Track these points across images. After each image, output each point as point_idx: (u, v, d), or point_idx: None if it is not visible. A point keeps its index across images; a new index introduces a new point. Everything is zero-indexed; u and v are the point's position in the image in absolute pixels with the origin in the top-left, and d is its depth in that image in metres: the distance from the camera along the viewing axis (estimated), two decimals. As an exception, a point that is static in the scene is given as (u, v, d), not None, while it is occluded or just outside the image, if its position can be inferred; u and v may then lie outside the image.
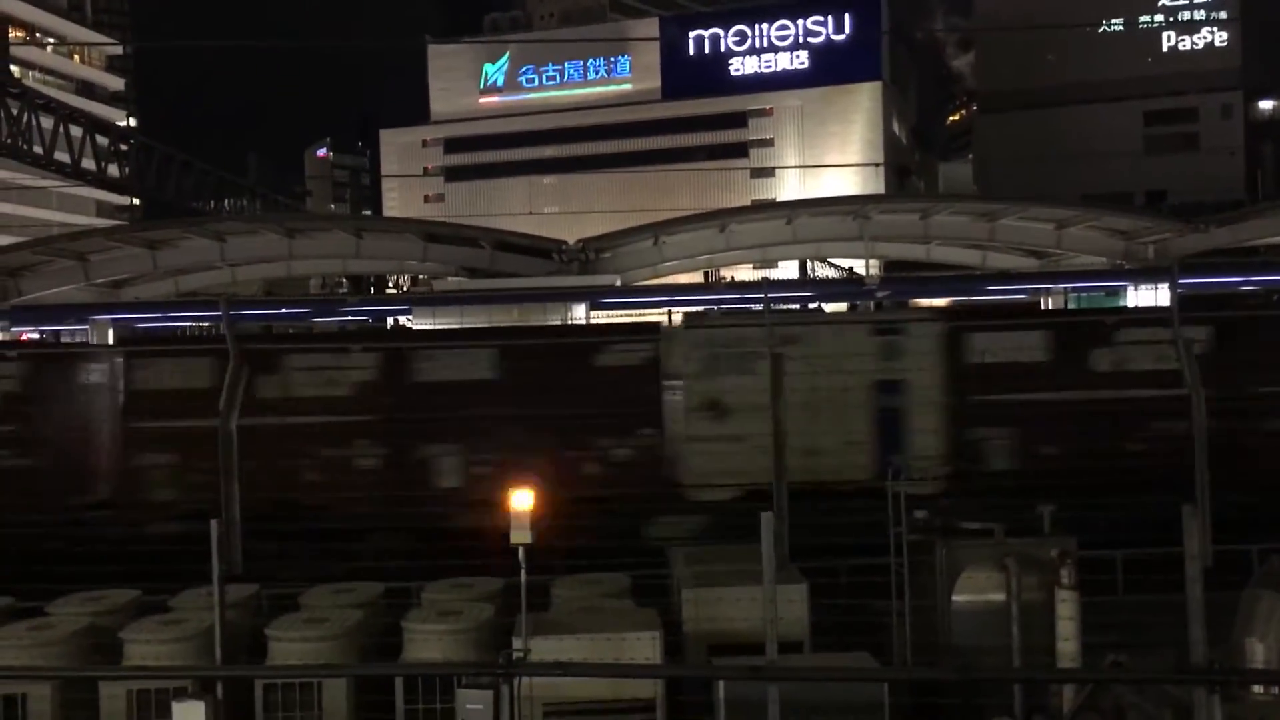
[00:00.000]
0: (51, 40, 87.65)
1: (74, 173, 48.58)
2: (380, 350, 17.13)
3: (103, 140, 50.38)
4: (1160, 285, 34.09)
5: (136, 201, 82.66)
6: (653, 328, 21.28)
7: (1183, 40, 76.45)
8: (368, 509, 15.36)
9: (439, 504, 15.71)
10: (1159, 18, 76.78)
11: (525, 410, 15.89)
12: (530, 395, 15.99)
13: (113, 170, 51.92)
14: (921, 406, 16.30)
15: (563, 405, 15.84)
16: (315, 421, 15.98)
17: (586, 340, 17.92)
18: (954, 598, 9.33)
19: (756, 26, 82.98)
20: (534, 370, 16.42)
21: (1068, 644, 8.52)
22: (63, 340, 37.80)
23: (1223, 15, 75.60)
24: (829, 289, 44.48)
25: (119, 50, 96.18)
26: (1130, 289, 36.25)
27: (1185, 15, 76.33)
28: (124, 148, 53.51)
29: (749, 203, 68.04)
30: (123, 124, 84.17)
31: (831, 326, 18.13)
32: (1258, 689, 6.98)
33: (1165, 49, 76.57)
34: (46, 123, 46.55)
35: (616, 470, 16.04)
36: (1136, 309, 25.08)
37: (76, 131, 47.87)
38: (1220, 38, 75.86)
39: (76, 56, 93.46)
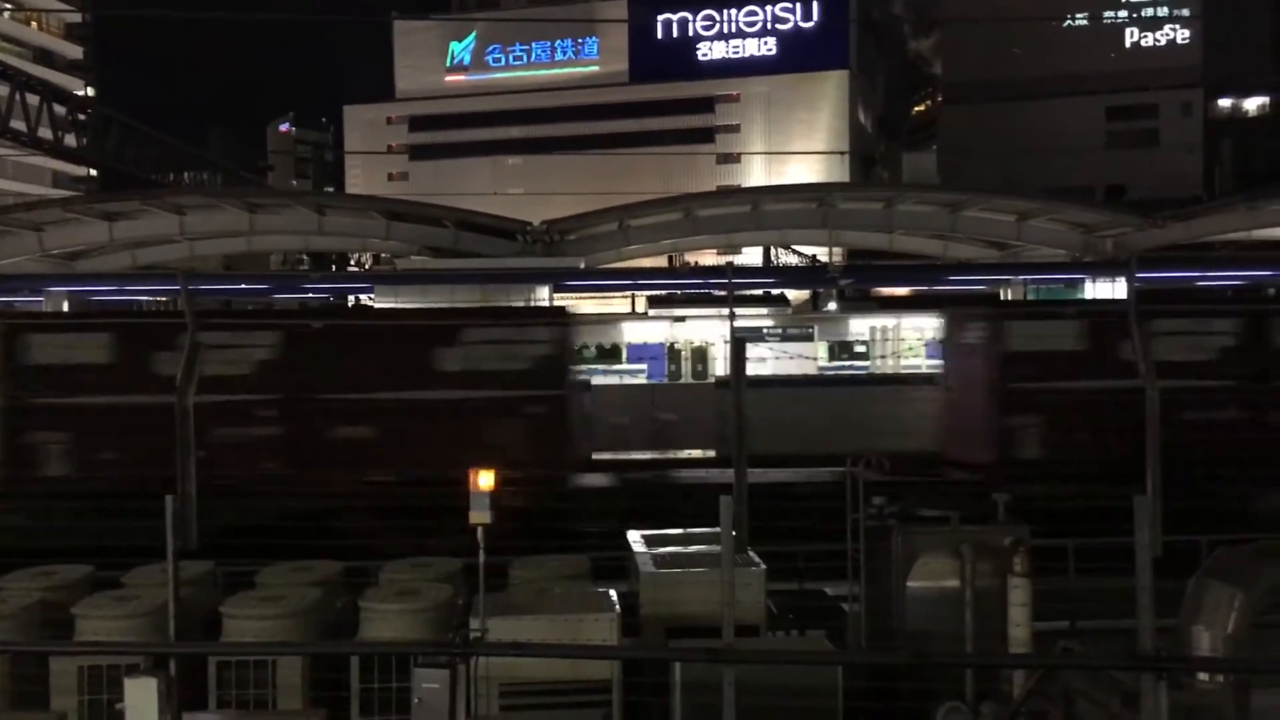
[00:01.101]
0: (8, 6, 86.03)
1: (30, 142, 47.65)
2: None
3: (60, 109, 49.47)
4: (1118, 279, 34.52)
5: (94, 172, 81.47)
6: None
7: (1145, 37, 77.29)
8: None
9: None
10: (1122, 14, 77.52)
11: None
12: None
13: (70, 140, 51.02)
14: None
15: None
16: None
17: None
18: (909, 584, 9.42)
19: (725, 12, 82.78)
20: None
21: (1019, 630, 8.64)
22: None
23: (1185, 13, 76.48)
24: (791, 276, 44.71)
25: (78, 17, 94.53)
26: (1089, 282, 36.70)
27: (1148, 12, 77.17)
28: (82, 117, 52.61)
29: (714, 188, 68.04)
30: (81, 93, 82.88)
31: None
32: (1203, 676, 7.10)
33: (1128, 45, 77.35)
34: (2, 90, 45.67)
35: None
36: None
37: (33, 100, 47.00)
38: (1182, 35, 76.76)
39: (34, 23, 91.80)
